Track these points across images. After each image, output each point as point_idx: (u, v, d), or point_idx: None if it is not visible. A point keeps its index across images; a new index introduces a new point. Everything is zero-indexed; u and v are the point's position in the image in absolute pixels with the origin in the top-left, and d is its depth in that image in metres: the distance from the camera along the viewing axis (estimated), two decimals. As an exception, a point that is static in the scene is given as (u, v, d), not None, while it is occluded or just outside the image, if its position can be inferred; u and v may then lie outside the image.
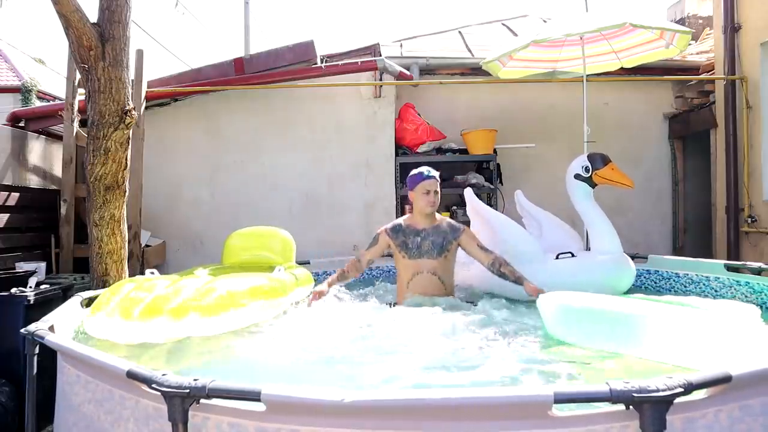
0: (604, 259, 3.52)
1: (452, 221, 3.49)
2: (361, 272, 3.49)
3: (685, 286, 3.77)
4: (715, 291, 3.59)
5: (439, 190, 3.37)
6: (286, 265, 3.62)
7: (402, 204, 5.35)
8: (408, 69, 5.52)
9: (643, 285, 4.03)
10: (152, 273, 3.16)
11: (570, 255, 3.59)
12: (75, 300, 2.63)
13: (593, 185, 3.69)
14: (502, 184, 5.41)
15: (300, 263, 4.06)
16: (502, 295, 3.37)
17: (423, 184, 3.34)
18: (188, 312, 2.48)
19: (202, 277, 3.15)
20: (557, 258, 3.59)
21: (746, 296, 3.39)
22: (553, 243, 3.79)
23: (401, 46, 6.61)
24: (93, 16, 3.17)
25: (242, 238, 3.97)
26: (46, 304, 2.96)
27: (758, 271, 3.36)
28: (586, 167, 3.68)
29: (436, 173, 3.40)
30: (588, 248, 3.82)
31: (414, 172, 3.44)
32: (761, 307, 3.13)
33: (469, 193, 3.87)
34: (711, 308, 2.28)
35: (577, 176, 3.71)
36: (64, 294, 3.22)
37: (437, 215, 3.46)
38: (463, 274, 3.83)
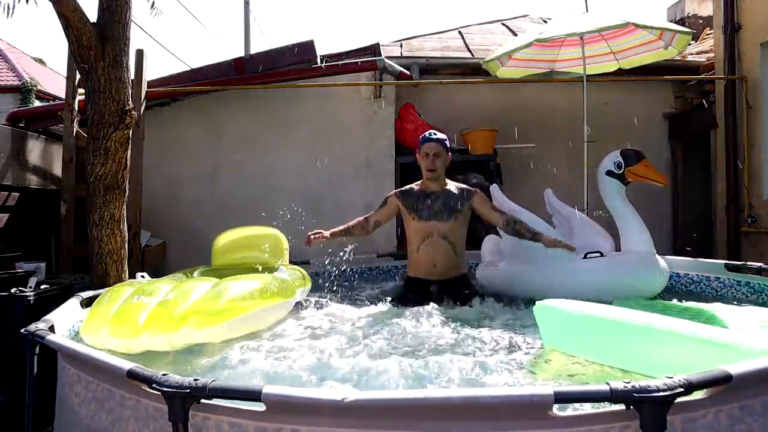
0: (634, 258, 3.37)
1: (464, 186, 3.47)
2: (367, 233, 3.45)
3: (686, 286, 3.77)
4: (715, 291, 3.59)
5: (441, 153, 3.32)
6: (284, 262, 3.56)
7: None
8: (408, 69, 5.51)
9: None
10: (142, 276, 3.09)
11: (599, 254, 3.47)
12: (75, 300, 2.63)
13: (626, 182, 3.56)
14: (502, 184, 5.41)
15: (300, 263, 4.05)
16: (524, 296, 3.33)
17: (423, 147, 3.34)
18: (195, 319, 2.35)
19: (200, 281, 2.93)
20: (585, 257, 3.48)
21: (746, 296, 3.39)
22: (584, 243, 3.65)
23: (401, 46, 6.62)
24: (93, 16, 3.17)
25: (232, 238, 3.79)
26: (46, 304, 2.96)
27: (758, 271, 3.35)
28: (618, 163, 3.53)
29: (441, 135, 3.37)
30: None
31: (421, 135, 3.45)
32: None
33: (495, 189, 3.82)
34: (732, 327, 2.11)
35: (609, 173, 3.56)
36: (64, 294, 3.22)
37: (448, 181, 3.43)
38: (487, 273, 3.84)
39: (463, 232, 3.37)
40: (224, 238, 3.81)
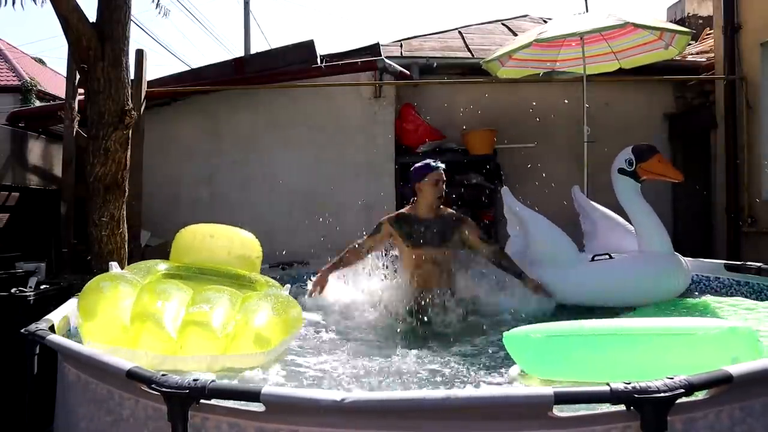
0: (652, 260, 3.23)
1: (454, 212, 3.51)
2: (361, 259, 3.45)
3: (686, 286, 3.75)
4: (715, 291, 3.58)
5: (444, 179, 3.39)
6: (257, 277, 3.11)
7: (402, 204, 5.33)
8: (408, 69, 5.51)
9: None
10: (115, 267, 2.89)
11: (607, 257, 3.37)
12: (75, 300, 2.62)
13: (640, 180, 3.37)
14: (502, 184, 5.40)
15: (300, 263, 4.04)
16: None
17: (432, 175, 3.35)
18: (243, 343, 2.14)
19: (218, 290, 2.50)
20: (592, 260, 3.38)
21: (746, 296, 3.38)
22: (609, 244, 3.53)
23: (401, 46, 6.62)
24: (93, 16, 3.17)
25: (196, 235, 3.21)
26: (46, 304, 2.95)
27: (758, 271, 3.34)
28: (629, 160, 3.36)
29: (442, 164, 3.42)
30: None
31: (419, 164, 3.46)
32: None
33: (506, 193, 3.76)
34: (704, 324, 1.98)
35: (621, 170, 3.39)
36: (64, 294, 3.21)
37: (441, 207, 3.47)
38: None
39: (454, 256, 3.42)
40: (188, 235, 3.22)
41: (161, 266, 2.93)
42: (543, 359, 2.12)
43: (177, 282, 2.59)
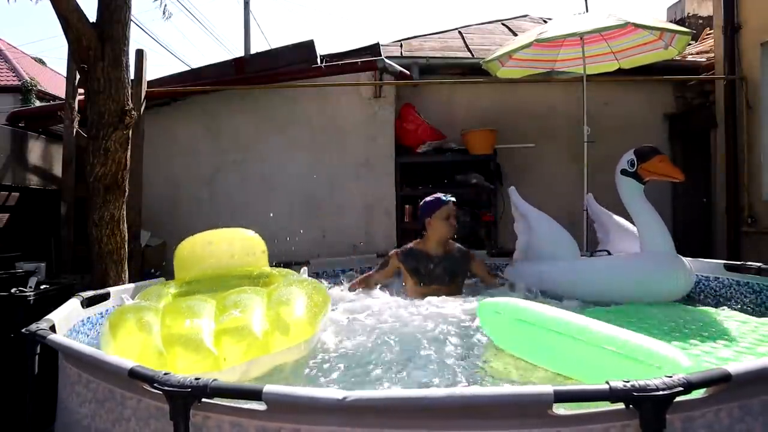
0: (652, 259, 3.23)
1: (461, 247, 3.52)
2: (371, 290, 3.42)
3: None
4: (715, 291, 3.59)
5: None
6: (269, 270, 3.10)
7: (402, 204, 5.34)
8: (408, 69, 5.51)
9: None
10: (127, 300, 2.80)
11: (606, 253, 3.45)
12: (75, 300, 2.62)
13: (643, 181, 3.39)
14: (502, 184, 5.42)
15: (300, 264, 4.04)
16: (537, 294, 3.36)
17: (443, 209, 3.32)
18: (281, 339, 2.09)
19: (246, 293, 2.40)
20: (592, 255, 3.45)
21: (746, 296, 3.39)
22: (621, 249, 3.56)
23: (401, 46, 6.62)
24: (93, 16, 3.18)
25: (195, 246, 3.08)
26: (46, 304, 2.96)
27: (758, 271, 3.34)
28: (631, 161, 3.36)
29: (452, 198, 3.40)
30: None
31: (429, 198, 3.43)
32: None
33: (512, 192, 3.84)
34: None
35: (624, 171, 3.41)
36: (64, 294, 3.22)
37: (449, 241, 3.48)
38: (509, 270, 3.87)
39: (461, 292, 3.43)
40: (188, 247, 3.11)
41: (170, 288, 2.84)
42: (507, 333, 2.19)
43: (197, 296, 2.48)
